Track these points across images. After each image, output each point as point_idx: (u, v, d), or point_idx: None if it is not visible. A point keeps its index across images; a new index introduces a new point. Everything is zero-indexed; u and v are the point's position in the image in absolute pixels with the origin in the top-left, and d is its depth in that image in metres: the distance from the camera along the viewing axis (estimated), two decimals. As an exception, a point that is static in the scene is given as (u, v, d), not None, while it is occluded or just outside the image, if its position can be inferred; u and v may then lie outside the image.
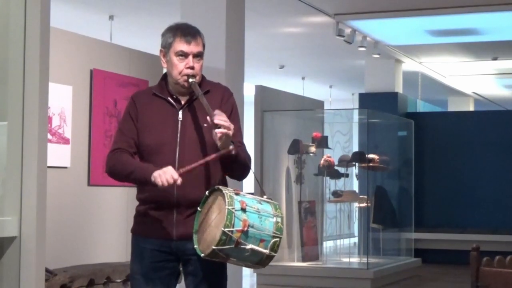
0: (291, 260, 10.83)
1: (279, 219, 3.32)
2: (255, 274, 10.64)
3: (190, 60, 3.52)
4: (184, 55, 3.52)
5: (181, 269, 3.61)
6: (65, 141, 7.15)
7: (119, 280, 6.84)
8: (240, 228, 3.21)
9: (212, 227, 3.29)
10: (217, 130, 3.32)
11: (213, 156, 3.38)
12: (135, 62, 8.10)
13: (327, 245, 12.46)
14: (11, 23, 3.82)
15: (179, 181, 3.33)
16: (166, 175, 3.32)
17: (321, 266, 10.81)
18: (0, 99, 3.84)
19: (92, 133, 7.48)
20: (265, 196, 3.42)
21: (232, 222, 3.20)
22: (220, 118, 3.33)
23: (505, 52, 13.46)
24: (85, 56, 7.49)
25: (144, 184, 3.48)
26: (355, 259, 11.50)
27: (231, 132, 3.35)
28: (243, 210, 3.25)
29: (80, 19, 10.71)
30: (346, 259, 11.53)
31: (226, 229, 3.19)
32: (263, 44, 12.53)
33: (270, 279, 10.39)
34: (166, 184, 3.32)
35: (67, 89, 7.20)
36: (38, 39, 3.78)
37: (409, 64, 14.53)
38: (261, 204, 3.34)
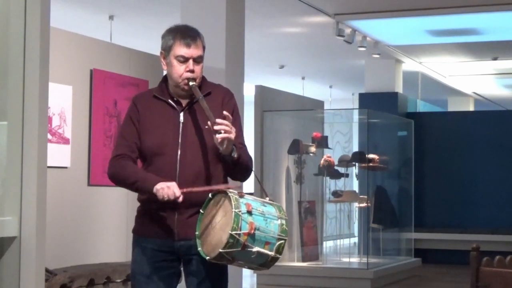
0: (291, 260, 10.82)
1: (283, 221, 3.34)
2: (255, 274, 10.63)
3: (190, 63, 3.51)
4: (184, 59, 3.52)
5: (181, 269, 3.61)
6: (65, 141, 7.15)
7: (119, 280, 6.84)
8: (247, 231, 3.23)
9: (217, 230, 3.29)
10: (218, 136, 3.33)
11: (222, 186, 3.40)
12: (135, 62, 8.10)
13: (327, 245, 12.46)
14: (11, 23, 3.82)
15: (180, 198, 3.36)
16: (169, 191, 3.35)
17: (321, 266, 10.81)
18: (0, 99, 3.84)
19: (92, 133, 7.48)
20: (267, 198, 3.43)
21: (239, 225, 3.21)
22: (221, 122, 3.33)
23: (505, 52, 13.45)
24: (85, 56, 7.49)
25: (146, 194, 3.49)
26: (355, 259, 11.50)
27: (232, 136, 3.36)
28: (249, 213, 3.26)
29: (80, 19, 10.70)
30: (346, 259, 11.53)
31: (234, 232, 3.20)
32: (263, 44, 12.52)
33: (270, 279, 10.38)
34: (166, 198, 3.35)
35: (67, 89, 7.19)
36: (38, 39, 3.78)
37: (409, 64, 14.53)
38: (265, 206, 3.35)
